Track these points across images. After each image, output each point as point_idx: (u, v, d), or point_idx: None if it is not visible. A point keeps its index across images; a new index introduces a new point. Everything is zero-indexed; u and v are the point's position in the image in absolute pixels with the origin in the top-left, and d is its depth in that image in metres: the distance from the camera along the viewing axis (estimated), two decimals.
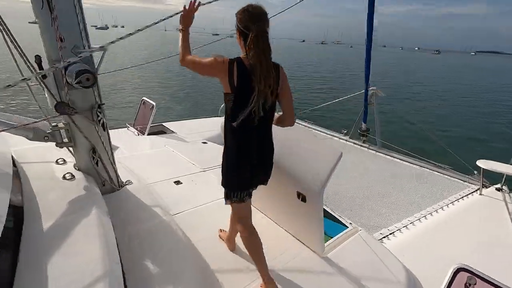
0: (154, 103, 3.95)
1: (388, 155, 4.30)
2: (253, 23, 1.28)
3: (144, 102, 4.12)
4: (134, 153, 3.12)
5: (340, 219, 2.60)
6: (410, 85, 22.37)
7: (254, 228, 1.58)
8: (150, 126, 4.16)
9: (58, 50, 1.38)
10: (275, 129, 1.77)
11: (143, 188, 1.94)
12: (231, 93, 1.33)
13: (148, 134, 3.95)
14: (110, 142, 1.77)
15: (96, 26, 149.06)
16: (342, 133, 4.95)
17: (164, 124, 4.48)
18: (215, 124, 4.78)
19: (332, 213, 2.71)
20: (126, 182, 1.94)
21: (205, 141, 3.69)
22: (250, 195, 1.55)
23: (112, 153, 1.80)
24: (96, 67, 1.56)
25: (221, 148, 1.53)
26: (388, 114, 10.18)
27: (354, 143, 4.70)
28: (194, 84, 15.89)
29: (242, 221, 1.57)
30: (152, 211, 1.70)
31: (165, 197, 2.20)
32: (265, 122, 1.44)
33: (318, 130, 5.22)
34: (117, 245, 1.20)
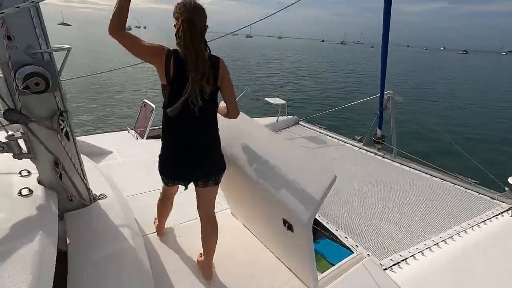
0: (154, 106, 3.81)
1: (404, 165, 3.93)
2: (181, 14, 1.31)
3: (144, 104, 3.99)
4: (126, 159, 2.97)
5: (344, 241, 2.31)
6: (433, 88, 21.14)
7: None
8: (150, 129, 4.03)
9: (5, 50, 1.21)
10: (264, 143, 1.59)
11: (119, 202, 1.75)
12: (167, 84, 1.37)
13: (148, 138, 3.82)
14: (78, 152, 1.59)
15: None
16: (355, 140, 4.61)
17: None
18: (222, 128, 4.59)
19: (336, 233, 2.42)
20: (100, 196, 1.76)
21: None
22: (183, 185, 1.63)
23: (81, 165, 1.62)
24: (58, 69, 1.39)
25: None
26: (406, 120, 9.51)
27: (367, 150, 4.35)
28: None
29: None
30: (120, 232, 1.50)
31: (146, 212, 2.01)
32: (205, 113, 1.46)
33: (329, 135, 4.90)
34: (67, 276, 1.02)
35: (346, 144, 4.60)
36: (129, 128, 3.97)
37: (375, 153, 4.24)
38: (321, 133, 5.04)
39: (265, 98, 5.18)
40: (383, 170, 3.81)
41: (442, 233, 2.55)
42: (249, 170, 1.54)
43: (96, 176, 1.98)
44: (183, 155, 1.49)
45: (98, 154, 2.91)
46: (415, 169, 3.81)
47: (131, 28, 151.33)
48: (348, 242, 2.32)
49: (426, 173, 3.70)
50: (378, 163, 4.01)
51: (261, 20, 2.30)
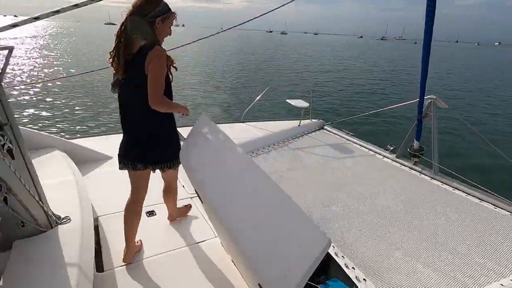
0: None
1: (447, 184, 3.30)
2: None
3: None
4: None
5: (362, 285, 1.86)
6: (486, 91, 18.01)
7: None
8: None
9: None
10: (241, 179, 1.38)
11: (82, 229, 1.49)
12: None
13: None
14: (31, 171, 1.35)
15: None
16: (388, 150, 4.02)
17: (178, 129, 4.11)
18: (238, 131, 4.27)
19: (352, 273, 1.97)
20: (62, 219, 1.51)
21: None
22: (128, 168, 1.66)
23: (35, 185, 1.37)
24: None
25: None
26: (451, 130, 8.13)
27: (402, 164, 3.76)
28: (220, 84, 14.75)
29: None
30: (72, 267, 1.23)
31: (118, 238, 1.74)
32: (130, 98, 1.56)
33: (357, 144, 4.35)
34: None
35: (377, 155, 4.04)
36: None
37: (410, 168, 3.64)
38: (348, 140, 4.51)
39: (287, 100, 4.76)
40: (419, 189, 3.22)
41: (493, 283, 1.99)
42: (221, 215, 1.17)
43: (70, 194, 1.75)
44: (126, 137, 1.71)
45: (95, 159, 2.74)
46: (460, 190, 3.18)
47: None
48: (367, 287, 1.87)
49: (475, 197, 3.05)
50: (413, 180, 3.42)
51: (260, 16, 2.01)
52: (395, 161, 3.83)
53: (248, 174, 1.35)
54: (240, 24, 3.49)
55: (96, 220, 1.88)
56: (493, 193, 3.03)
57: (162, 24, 1.49)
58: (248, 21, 3.37)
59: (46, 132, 2.62)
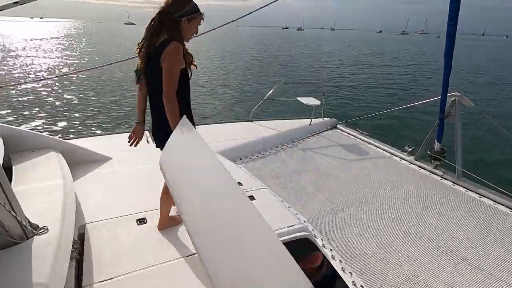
0: None
1: (472, 190, 2.99)
2: None
3: None
4: (124, 168, 2.66)
5: None
6: None
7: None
8: None
9: None
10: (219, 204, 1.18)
11: (63, 238, 1.38)
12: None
13: None
14: (2, 178, 1.24)
15: None
16: (405, 152, 3.73)
17: None
18: (245, 131, 4.10)
19: None
20: (39, 230, 1.40)
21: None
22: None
23: (5, 193, 1.26)
24: None
25: (229, 167, 1.82)
26: (477, 131, 7.25)
27: (421, 167, 3.47)
28: (228, 83, 13.92)
29: None
30: (41, 283, 1.12)
31: (103, 249, 1.62)
32: (152, 89, 1.66)
33: (373, 144, 4.07)
34: None
35: (393, 157, 3.75)
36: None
37: (430, 172, 3.35)
38: (362, 140, 4.24)
39: (298, 98, 4.53)
40: (440, 196, 2.94)
41: None
42: (193, 241, 1.00)
43: (54, 200, 1.64)
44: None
45: (93, 161, 2.65)
46: (488, 198, 2.86)
47: None
48: None
49: (505, 206, 2.74)
50: (434, 185, 3.13)
51: (250, 13, 1.87)
52: (413, 164, 3.54)
53: (218, 187, 1.18)
54: (237, 19, 3.36)
55: (83, 227, 1.77)
56: None
57: (188, 24, 1.56)
58: (246, 15, 3.22)
59: (45, 132, 2.56)
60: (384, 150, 3.93)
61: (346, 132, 4.50)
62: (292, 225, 1.96)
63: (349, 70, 20.57)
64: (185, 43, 1.61)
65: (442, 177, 3.23)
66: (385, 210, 2.70)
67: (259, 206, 2.22)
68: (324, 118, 4.75)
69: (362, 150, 3.97)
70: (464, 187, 3.04)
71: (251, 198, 2.29)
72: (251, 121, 4.45)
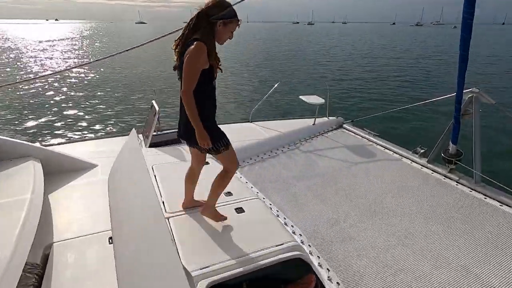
0: (158, 108, 3.30)
1: (491, 197, 2.69)
2: None
3: (151, 106, 3.52)
4: (101, 177, 2.47)
5: None
6: None
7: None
8: (160, 133, 3.56)
9: None
10: None
11: (12, 266, 1.21)
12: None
13: (154, 145, 3.34)
14: None
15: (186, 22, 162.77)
16: (417, 154, 3.43)
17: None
18: (244, 132, 3.89)
19: None
20: None
21: (207, 160, 2.84)
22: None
23: None
24: None
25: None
26: (498, 131, 6.78)
27: (434, 171, 3.17)
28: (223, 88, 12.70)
29: None
30: None
31: (65, 272, 1.45)
32: (180, 84, 1.64)
33: (381, 145, 3.79)
34: None
35: (403, 159, 3.46)
36: (135, 131, 3.56)
37: (445, 176, 3.05)
38: (370, 141, 3.95)
39: (300, 97, 4.28)
40: (455, 203, 2.65)
41: None
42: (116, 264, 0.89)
43: (14, 219, 1.49)
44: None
45: (76, 169, 2.50)
46: (509, 206, 2.56)
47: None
48: None
49: None
50: (448, 191, 2.84)
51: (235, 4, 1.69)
52: (426, 167, 3.24)
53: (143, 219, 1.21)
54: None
55: (49, 247, 1.61)
56: None
57: (224, 27, 1.62)
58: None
59: (26, 139, 2.43)
60: (394, 152, 3.64)
61: (352, 132, 4.22)
62: (283, 243, 1.75)
63: (358, 65, 19.72)
64: (217, 45, 1.68)
65: (458, 182, 2.93)
66: (392, 221, 2.44)
67: (248, 219, 2.01)
68: (329, 117, 4.48)
69: (369, 151, 3.69)
70: (482, 194, 2.74)
71: (240, 210, 2.08)
72: (250, 121, 4.24)
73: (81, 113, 8.66)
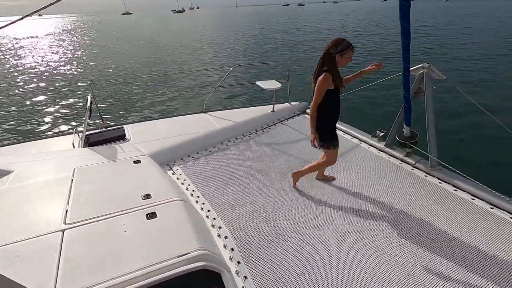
0: (89, 104, 3.02)
1: (447, 182, 2.49)
2: None
3: (87, 100, 3.23)
4: (23, 183, 2.23)
5: None
6: (496, 57, 12.38)
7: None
8: (105, 130, 3.32)
9: None
10: None
11: None
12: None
13: (97, 144, 3.09)
14: None
15: (174, 10, 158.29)
16: (377, 137, 3.20)
17: (127, 126, 3.55)
18: (196, 124, 3.63)
19: None
20: None
21: (139, 158, 2.59)
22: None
23: None
24: None
25: (150, 173, 2.20)
26: (452, 111, 6.23)
27: (391, 155, 2.95)
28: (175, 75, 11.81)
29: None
30: None
31: None
32: None
33: (340, 130, 3.55)
34: None
35: (362, 144, 3.23)
36: (74, 132, 3.29)
37: (402, 161, 2.83)
38: None
39: (257, 82, 3.99)
40: (410, 188, 2.45)
41: None
42: None
43: None
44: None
45: None
46: (465, 191, 2.35)
47: (184, 10, 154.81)
48: None
49: (485, 200, 2.23)
50: (403, 176, 2.63)
51: None
52: (383, 152, 3.02)
53: None
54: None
55: None
56: (507, 197, 2.18)
57: (341, 57, 2.21)
58: None
59: None
60: (353, 136, 3.41)
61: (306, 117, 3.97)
62: (188, 253, 1.54)
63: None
64: (340, 70, 2.29)
65: (414, 167, 2.72)
66: (348, 217, 2.24)
67: (158, 225, 1.78)
68: (292, 103, 4.21)
69: None
70: (438, 178, 2.53)
71: (152, 215, 1.86)
72: (205, 112, 3.96)
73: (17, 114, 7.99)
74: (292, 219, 2.22)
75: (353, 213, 2.26)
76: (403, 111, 2.68)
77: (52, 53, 21.22)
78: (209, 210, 2.30)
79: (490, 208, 2.17)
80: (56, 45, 26.61)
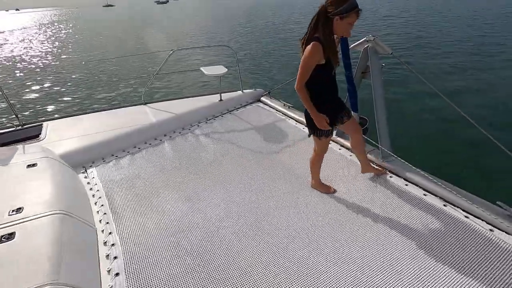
0: None
1: (399, 176, 2.14)
2: None
3: None
4: None
5: None
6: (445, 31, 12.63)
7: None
8: (21, 128, 2.88)
9: None
10: None
11: None
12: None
13: (6, 144, 2.65)
14: None
15: (157, 1, 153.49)
16: None
17: (48, 123, 3.07)
18: (133, 117, 3.19)
19: None
20: None
21: (35, 161, 2.15)
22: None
23: None
24: None
25: (49, 177, 1.92)
26: (404, 92, 5.74)
27: (342, 146, 2.59)
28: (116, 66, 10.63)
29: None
30: None
31: None
32: None
33: (294, 119, 3.17)
34: None
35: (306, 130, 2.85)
36: None
37: (352, 152, 2.46)
38: (284, 114, 3.31)
39: (201, 68, 3.53)
40: (358, 183, 2.10)
41: None
42: None
43: None
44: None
45: None
46: (419, 186, 2.01)
47: (168, 1, 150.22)
48: None
49: (439, 197, 1.89)
50: (352, 169, 2.27)
51: None
52: (334, 141, 2.65)
53: None
54: None
55: None
56: (463, 190, 1.85)
57: (340, 21, 1.65)
58: None
59: None
60: (305, 125, 3.02)
61: (268, 106, 3.56)
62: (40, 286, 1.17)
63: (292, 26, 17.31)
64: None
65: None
66: (288, 217, 1.87)
67: (11, 250, 1.38)
68: (245, 91, 3.79)
69: (276, 129, 3.05)
70: (390, 171, 2.17)
71: (8, 237, 1.44)
72: (145, 103, 3.50)
73: None
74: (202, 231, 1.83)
75: (295, 207, 1.95)
76: (347, 96, 2.30)
77: None
78: (107, 222, 1.88)
79: (444, 206, 1.83)
80: None
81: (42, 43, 19.73)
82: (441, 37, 11.78)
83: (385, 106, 2.17)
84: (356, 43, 2.12)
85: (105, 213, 1.96)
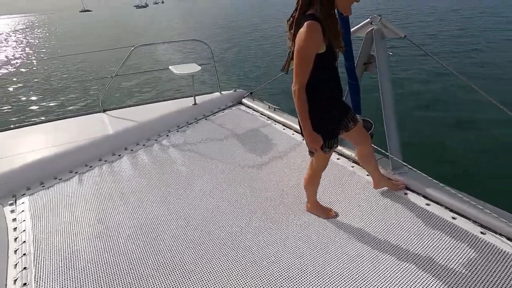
0: None
1: (417, 192, 1.71)
2: None
3: None
4: None
5: None
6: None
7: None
8: None
9: None
10: None
11: None
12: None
13: None
14: None
15: (137, 5, 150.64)
16: None
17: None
18: (94, 127, 2.65)
19: None
20: None
21: None
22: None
23: None
24: None
25: None
26: (411, 83, 5.03)
27: (341, 155, 2.13)
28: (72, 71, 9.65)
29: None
30: None
31: None
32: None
33: (282, 124, 2.71)
34: None
35: (304, 141, 2.39)
36: None
37: (354, 162, 2.01)
38: (269, 118, 2.84)
39: (170, 67, 3.01)
40: (365, 198, 1.65)
41: None
42: None
43: None
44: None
45: None
46: (446, 207, 1.57)
47: (147, 5, 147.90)
48: None
49: (474, 221, 1.46)
50: (355, 185, 1.82)
51: None
52: (334, 151, 2.19)
53: None
54: None
55: None
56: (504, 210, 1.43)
57: None
58: None
59: None
60: (295, 130, 2.56)
61: (251, 109, 3.08)
62: None
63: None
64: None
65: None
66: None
67: None
68: (223, 92, 3.29)
69: (262, 136, 2.57)
70: (406, 188, 1.74)
71: None
72: (104, 111, 2.95)
73: None
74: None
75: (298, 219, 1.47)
76: (347, 95, 1.85)
77: None
78: (25, 268, 1.36)
79: (481, 232, 1.40)
80: None
81: None
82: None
83: (394, 105, 1.73)
84: (356, 27, 1.67)
85: (25, 268, 1.41)
